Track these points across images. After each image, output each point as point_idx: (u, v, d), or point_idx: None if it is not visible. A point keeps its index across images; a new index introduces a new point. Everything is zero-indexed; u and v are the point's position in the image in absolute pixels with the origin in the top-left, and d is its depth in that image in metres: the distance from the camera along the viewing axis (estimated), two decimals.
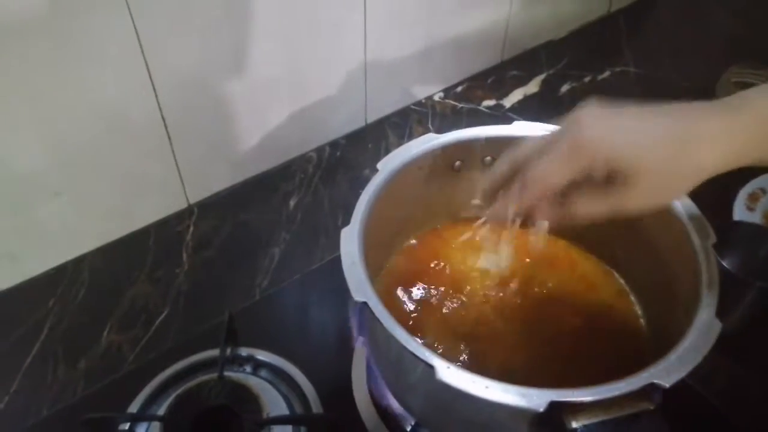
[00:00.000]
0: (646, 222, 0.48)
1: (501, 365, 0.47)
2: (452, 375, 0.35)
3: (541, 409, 0.34)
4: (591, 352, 0.48)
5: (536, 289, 0.52)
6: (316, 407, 0.53)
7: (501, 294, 0.52)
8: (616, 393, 0.34)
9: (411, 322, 0.50)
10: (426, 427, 0.46)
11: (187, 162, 0.67)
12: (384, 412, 0.51)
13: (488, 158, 0.52)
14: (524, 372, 0.46)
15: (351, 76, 0.75)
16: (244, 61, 0.65)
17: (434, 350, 0.46)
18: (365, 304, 0.39)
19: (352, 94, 0.76)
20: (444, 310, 0.51)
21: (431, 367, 0.35)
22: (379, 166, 0.48)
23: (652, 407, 0.35)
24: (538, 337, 0.49)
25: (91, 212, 0.63)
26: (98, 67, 0.56)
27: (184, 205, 0.70)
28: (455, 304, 0.51)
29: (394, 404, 0.47)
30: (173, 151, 0.65)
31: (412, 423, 0.47)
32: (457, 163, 0.52)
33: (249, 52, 0.65)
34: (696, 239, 0.43)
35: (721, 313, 0.56)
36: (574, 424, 0.34)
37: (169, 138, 0.64)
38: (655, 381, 0.35)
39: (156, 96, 0.60)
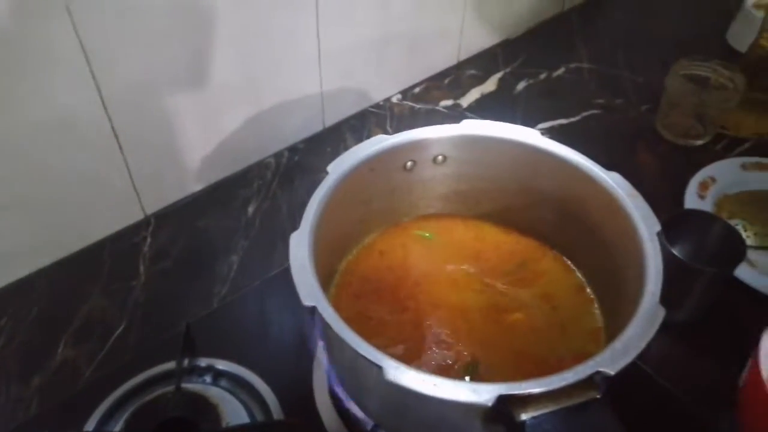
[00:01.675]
0: (596, 215, 0.49)
1: (459, 364, 0.47)
2: (400, 375, 0.35)
3: (490, 404, 0.34)
4: (551, 348, 0.48)
5: (497, 287, 0.53)
6: (277, 414, 0.52)
7: (460, 292, 0.52)
8: (564, 383, 0.35)
9: (367, 325, 0.50)
10: (384, 429, 0.46)
11: (141, 173, 0.66)
12: (345, 416, 0.51)
13: (440, 157, 0.52)
14: (484, 369, 0.47)
15: (306, 81, 0.75)
16: (195, 69, 0.64)
17: (392, 352, 0.47)
18: (314, 308, 0.38)
19: (308, 99, 0.76)
20: (401, 312, 0.51)
21: (380, 368, 0.35)
22: (329, 168, 0.47)
23: (598, 396, 0.35)
24: (498, 335, 0.49)
25: (42, 227, 0.62)
26: (43, 77, 0.54)
27: (141, 216, 0.69)
28: (412, 305, 0.51)
29: (354, 408, 0.47)
30: (126, 162, 0.64)
31: (371, 425, 0.47)
32: (409, 163, 0.52)
33: (200, 59, 0.64)
34: (642, 229, 0.43)
35: (673, 301, 0.58)
36: (523, 417, 0.34)
37: (121, 149, 0.63)
38: (601, 369, 0.35)
39: (104, 106, 0.59)
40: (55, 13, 0.52)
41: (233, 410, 0.52)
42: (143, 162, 0.66)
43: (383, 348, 0.46)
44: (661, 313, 0.38)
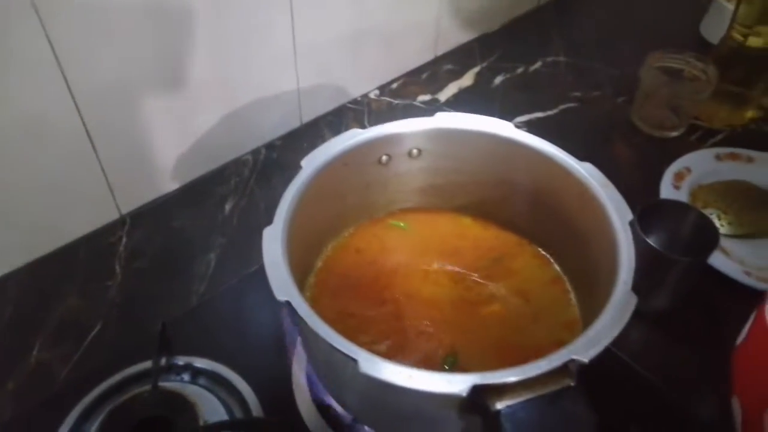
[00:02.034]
0: (570, 206, 0.49)
1: (438, 356, 0.47)
2: (375, 367, 0.35)
3: (465, 394, 0.34)
4: (529, 339, 0.49)
5: (474, 280, 0.53)
6: (257, 411, 0.52)
7: (437, 285, 0.52)
8: (538, 372, 0.35)
9: (351, 323, 0.50)
10: (363, 423, 0.46)
11: (115, 172, 0.65)
12: (325, 412, 0.51)
13: (414, 151, 0.52)
14: (463, 360, 0.47)
15: (282, 77, 0.74)
16: (168, 67, 0.64)
17: (378, 348, 0.47)
18: (288, 303, 0.38)
19: (285, 95, 0.76)
20: (380, 305, 0.51)
21: (355, 361, 0.35)
22: (302, 163, 0.47)
23: (573, 383, 0.35)
24: (476, 327, 0.50)
25: (14, 227, 0.61)
26: (14, 77, 0.54)
27: (116, 216, 0.68)
28: (391, 299, 0.51)
29: (332, 402, 0.47)
30: (100, 162, 0.64)
31: (350, 420, 0.47)
32: (384, 157, 0.52)
33: (173, 57, 0.63)
34: (615, 218, 0.44)
35: (649, 289, 0.58)
36: (498, 406, 0.34)
37: (94, 148, 0.62)
38: (575, 357, 0.36)
39: (76, 106, 0.59)
40: (20, 12, 0.51)
41: (211, 408, 0.51)
42: (117, 161, 0.65)
43: (370, 345, 0.47)
44: (633, 300, 0.38)
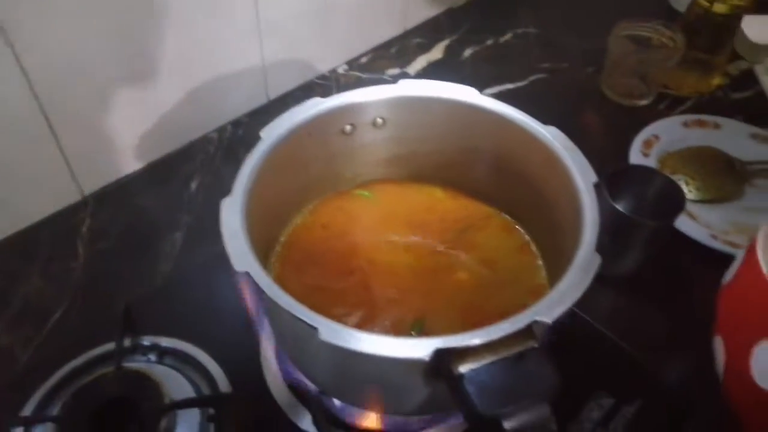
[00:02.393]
0: (536, 171, 0.49)
1: (407, 324, 0.47)
2: (336, 335, 0.34)
3: (427, 358, 0.34)
4: (496, 305, 0.48)
5: (442, 248, 0.52)
6: (225, 388, 0.51)
7: (405, 253, 0.52)
8: (501, 334, 0.35)
9: (323, 296, 0.49)
10: (330, 395, 0.46)
11: (75, 153, 0.63)
12: (294, 386, 0.50)
13: (379, 120, 0.51)
14: (430, 326, 0.46)
15: (246, 52, 0.72)
16: (126, 43, 0.62)
17: (351, 320, 0.46)
18: (247, 274, 0.37)
19: (250, 71, 0.74)
20: (347, 278, 0.50)
21: (315, 329, 0.34)
22: (262, 134, 0.46)
23: (537, 345, 0.35)
24: (443, 293, 0.49)
25: None
26: None
27: (78, 197, 0.66)
28: (358, 270, 0.51)
29: (298, 375, 0.46)
30: (58, 143, 0.61)
31: (318, 392, 0.46)
32: (348, 127, 0.51)
33: (132, 32, 0.61)
34: (579, 181, 0.43)
35: (618, 254, 0.59)
36: (462, 369, 0.34)
37: (52, 129, 0.60)
38: (538, 318, 0.35)
39: (30, 86, 0.56)
40: None
41: (178, 386, 0.51)
42: (77, 142, 0.63)
43: (342, 317, 0.46)
44: (597, 260, 0.38)
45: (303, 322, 0.35)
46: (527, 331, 0.35)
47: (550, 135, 0.46)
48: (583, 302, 0.56)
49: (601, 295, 0.61)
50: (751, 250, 0.43)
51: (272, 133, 0.46)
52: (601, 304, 0.61)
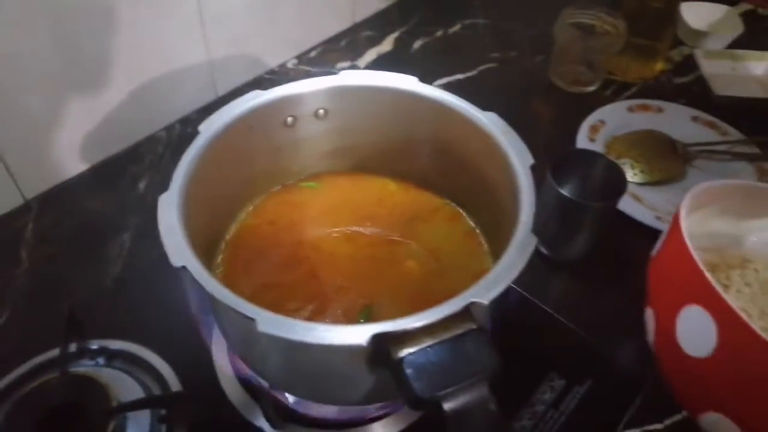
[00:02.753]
0: (477, 157, 0.49)
1: (356, 313, 0.47)
2: (274, 325, 0.34)
3: (365, 344, 0.34)
4: (442, 291, 0.48)
5: (389, 237, 0.52)
6: (176, 388, 0.50)
7: (352, 244, 0.52)
8: (439, 317, 0.35)
9: (275, 294, 0.48)
10: (280, 389, 0.45)
11: (14, 156, 0.62)
12: (245, 382, 0.50)
13: (321, 111, 0.51)
14: (379, 315, 0.46)
15: (190, 48, 0.71)
16: (68, 40, 0.60)
17: (298, 312, 0.46)
18: (185, 268, 0.37)
19: (196, 67, 0.73)
20: (295, 271, 0.50)
21: (253, 320, 0.34)
22: (200, 128, 0.46)
23: (475, 326, 0.35)
24: (391, 282, 0.49)
25: None
26: None
27: (20, 202, 0.65)
28: (306, 263, 0.50)
29: (247, 371, 0.46)
30: None
31: (267, 387, 0.46)
32: (289, 119, 0.50)
33: (73, 30, 0.60)
34: (516, 163, 0.44)
35: (565, 239, 0.59)
36: (401, 354, 0.34)
37: None
38: (475, 300, 0.36)
39: None
40: None
41: (126, 389, 0.50)
42: (17, 145, 0.61)
43: (295, 312, 0.46)
44: (533, 241, 0.39)
45: (240, 314, 0.35)
46: (465, 313, 0.36)
47: (489, 121, 0.46)
48: (534, 287, 0.58)
49: (552, 279, 0.62)
50: (675, 220, 0.44)
51: (211, 126, 0.46)
52: (552, 288, 0.62)
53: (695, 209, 0.48)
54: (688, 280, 0.40)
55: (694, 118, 0.75)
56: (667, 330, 0.42)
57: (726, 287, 0.48)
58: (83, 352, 0.53)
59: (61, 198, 0.66)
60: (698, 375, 0.41)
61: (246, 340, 0.42)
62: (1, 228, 0.63)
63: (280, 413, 0.48)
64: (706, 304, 0.38)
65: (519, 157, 0.44)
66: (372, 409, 0.48)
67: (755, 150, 0.71)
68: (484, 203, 0.50)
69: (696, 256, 0.40)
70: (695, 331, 0.39)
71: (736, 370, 0.38)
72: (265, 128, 0.49)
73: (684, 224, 0.42)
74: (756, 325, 0.37)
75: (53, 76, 0.61)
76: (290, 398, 0.48)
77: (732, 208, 0.51)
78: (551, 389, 0.53)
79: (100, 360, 0.53)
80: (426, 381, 0.33)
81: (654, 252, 0.49)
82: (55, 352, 0.52)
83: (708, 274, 0.39)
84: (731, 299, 0.38)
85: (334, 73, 0.50)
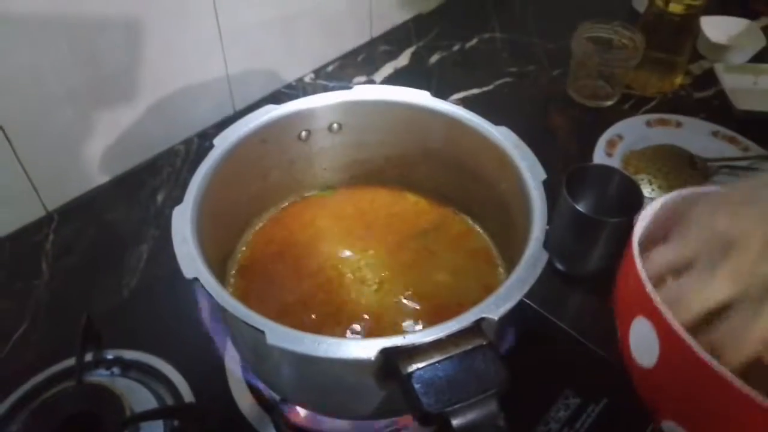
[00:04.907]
0: (490, 171, 0.49)
1: (370, 330, 0.47)
2: (283, 337, 0.34)
3: (373, 358, 0.34)
4: (460, 305, 0.48)
5: (401, 249, 0.52)
6: (189, 399, 0.51)
7: (370, 258, 0.52)
8: (447, 332, 0.35)
9: (276, 301, 0.49)
10: (291, 402, 0.45)
11: (37, 169, 0.63)
12: (258, 395, 0.50)
13: (335, 125, 0.51)
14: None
15: (209, 63, 0.73)
16: (89, 56, 0.62)
17: (309, 327, 0.46)
18: (196, 280, 0.37)
19: (214, 82, 0.74)
20: (307, 284, 0.50)
21: (262, 333, 0.34)
22: (215, 141, 0.46)
23: (485, 342, 0.35)
24: (407, 302, 0.49)
25: None
26: None
27: (42, 214, 0.66)
28: (318, 278, 0.51)
29: (260, 384, 0.46)
30: (19, 159, 0.61)
31: (277, 400, 0.46)
32: (304, 133, 0.51)
33: (94, 46, 0.62)
34: (528, 178, 0.44)
35: (581, 255, 0.59)
36: (410, 369, 0.34)
37: (11, 144, 0.60)
38: (485, 315, 0.36)
39: None
40: None
41: (141, 399, 0.50)
42: (39, 157, 0.63)
43: (311, 324, 0.46)
44: (544, 256, 0.38)
45: (250, 326, 0.35)
46: (475, 329, 0.35)
47: (501, 135, 0.46)
48: (550, 303, 0.57)
49: (568, 295, 0.61)
50: (629, 238, 0.44)
51: (225, 140, 0.46)
52: (568, 304, 0.61)
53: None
54: (635, 292, 0.40)
55: (714, 133, 0.74)
56: (624, 341, 0.42)
57: None
58: (99, 362, 0.53)
59: (81, 209, 0.67)
60: (649, 384, 0.41)
61: (257, 352, 0.42)
62: (23, 239, 0.64)
63: (291, 426, 0.48)
64: (648, 314, 0.38)
65: (531, 172, 0.44)
66: (383, 424, 0.48)
67: None
68: (497, 217, 0.50)
69: (640, 266, 0.40)
70: (643, 342, 0.39)
71: (677, 380, 0.38)
72: (279, 142, 0.50)
73: (635, 239, 0.42)
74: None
75: (74, 91, 0.62)
76: (301, 411, 0.48)
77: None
78: (566, 407, 0.52)
79: (115, 370, 0.54)
80: (434, 396, 0.33)
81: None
82: (71, 361, 0.52)
83: (649, 286, 0.38)
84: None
85: (349, 88, 0.51)
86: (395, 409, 0.42)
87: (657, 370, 0.39)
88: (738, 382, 0.33)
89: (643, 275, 0.39)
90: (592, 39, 0.79)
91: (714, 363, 0.34)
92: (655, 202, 0.44)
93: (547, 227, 0.41)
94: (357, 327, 0.47)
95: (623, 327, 0.43)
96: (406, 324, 0.47)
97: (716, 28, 0.88)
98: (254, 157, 0.49)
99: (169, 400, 0.51)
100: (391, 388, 0.38)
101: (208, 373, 0.53)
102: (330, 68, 0.86)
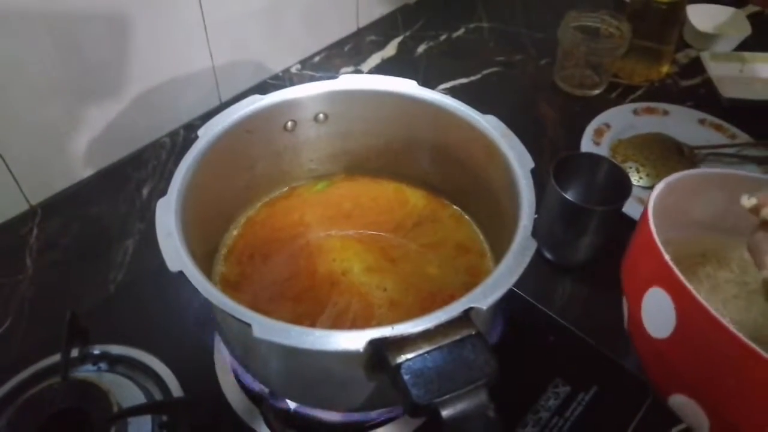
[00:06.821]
0: (478, 160, 0.49)
1: (358, 321, 0.47)
2: (270, 330, 0.34)
3: (361, 349, 0.33)
4: (445, 298, 0.48)
5: (395, 241, 0.52)
6: (177, 394, 0.50)
7: (360, 248, 0.52)
8: (436, 323, 0.35)
9: (264, 293, 0.48)
10: (281, 396, 0.45)
11: (19, 163, 0.62)
12: (247, 389, 0.50)
13: (321, 116, 0.51)
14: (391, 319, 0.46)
15: (194, 54, 0.72)
16: (72, 48, 0.61)
17: (296, 318, 0.46)
18: (182, 273, 0.37)
19: (200, 73, 0.73)
20: (295, 276, 0.50)
21: (249, 326, 0.34)
22: (199, 132, 0.46)
23: (474, 332, 0.35)
24: (401, 286, 0.49)
25: None
26: None
27: (25, 208, 0.65)
28: (306, 269, 0.50)
29: (248, 378, 0.46)
30: (0, 153, 0.60)
31: (268, 394, 0.46)
32: (289, 123, 0.50)
33: (77, 38, 0.60)
34: (516, 166, 0.43)
35: (570, 243, 0.59)
36: (399, 360, 0.34)
37: None
38: (473, 305, 0.35)
39: None
40: None
41: (128, 394, 0.50)
42: (22, 151, 0.62)
43: (302, 317, 0.46)
44: (533, 245, 0.38)
45: (237, 319, 0.35)
46: (464, 319, 0.35)
47: (488, 123, 0.46)
48: (539, 292, 0.57)
49: (557, 284, 0.61)
50: (645, 210, 0.44)
51: (209, 131, 0.46)
52: (557, 293, 0.61)
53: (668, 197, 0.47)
54: (651, 263, 0.40)
55: (701, 121, 0.75)
56: (635, 314, 0.42)
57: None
58: (85, 358, 0.53)
59: (65, 203, 0.67)
60: (661, 356, 0.41)
61: (245, 346, 0.41)
62: (6, 234, 0.63)
63: (281, 419, 0.48)
64: (665, 284, 0.39)
65: (519, 161, 0.44)
66: (373, 415, 0.48)
67: (763, 152, 0.70)
68: (485, 206, 0.50)
69: (657, 238, 0.40)
70: (657, 313, 0.40)
71: (693, 350, 0.38)
72: (265, 133, 0.49)
73: (651, 211, 0.42)
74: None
75: (57, 83, 0.61)
76: (291, 404, 0.48)
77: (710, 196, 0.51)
78: (556, 396, 0.52)
79: (102, 365, 0.53)
80: (424, 387, 0.33)
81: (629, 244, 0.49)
82: (57, 357, 0.52)
83: (667, 256, 0.38)
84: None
85: (335, 78, 0.50)
86: (386, 401, 0.42)
87: (672, 340, 0.39)
88: (757, 347, 0.33)
89: (661, 246, 0.39)
90: (579, 28, 0.78)
91: (734, 329, 0.34)
92: (669, 177, 0.45)
93: (536, 216, 0.41)
94: (345, 318, 0.47)
95: (634, 300, 0.43)
96: (395, 314, 0.47)
97: (702, 16, 0.88)
98: (240, 148, 0.48)
99: (158, 395, 0.51)
100: (380, 379, 0.37)
101: (196, 367, 0.53)
102: (317, 59, 0.85)
